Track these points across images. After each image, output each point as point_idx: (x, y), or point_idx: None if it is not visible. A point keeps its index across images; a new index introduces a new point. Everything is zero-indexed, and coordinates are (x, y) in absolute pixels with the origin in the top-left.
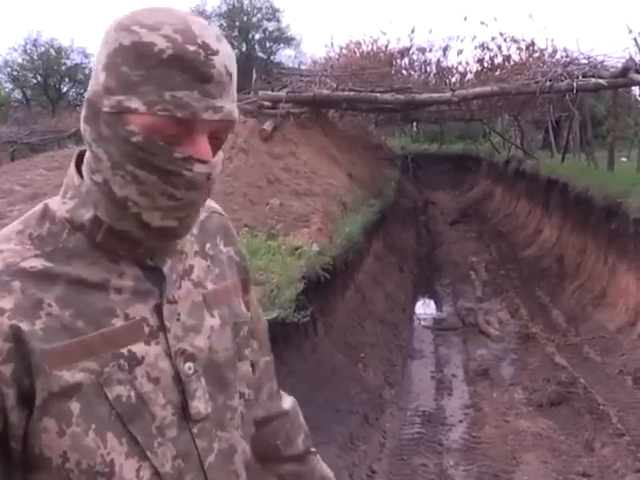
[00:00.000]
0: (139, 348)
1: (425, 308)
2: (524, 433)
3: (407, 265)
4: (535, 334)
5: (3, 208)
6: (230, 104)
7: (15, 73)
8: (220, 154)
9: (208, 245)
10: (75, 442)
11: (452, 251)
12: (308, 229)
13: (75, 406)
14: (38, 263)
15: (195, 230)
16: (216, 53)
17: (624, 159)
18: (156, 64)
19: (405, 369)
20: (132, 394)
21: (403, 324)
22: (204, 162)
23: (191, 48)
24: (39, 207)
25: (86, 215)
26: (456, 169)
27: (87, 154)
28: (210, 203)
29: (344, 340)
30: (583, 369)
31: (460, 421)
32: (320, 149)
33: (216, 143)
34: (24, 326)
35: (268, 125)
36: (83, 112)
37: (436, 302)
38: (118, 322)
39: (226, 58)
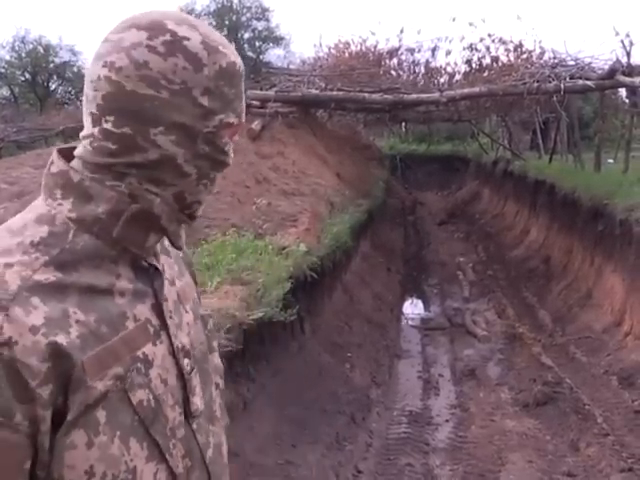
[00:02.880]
0: (149, 349)
1: (413, 308)
2: (510, 433)
3: (395, 265)
4: (522, 334)
5: None
6: None
7: (3, 70)
8: None
9: (166, 242)
10: (102, 452)
11: (440, 251)
12: (296, 229)
13: (101, 414)
14: (50, 274)
15: None
16: None
17: (611, 160)
18: (240, 79)
19: (392, 369)
20: (151, 397)
21: (391, 324)
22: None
23: (239, 61)
24: (28, 217)
25: (98, 209)
26: (444, 170)
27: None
28: None
29: (331, 340)
30: (569, 369)
31: (446, 421)
32: (308, 149)
33: None
34: (61, 339)
35: (256, 124)
36: None
37: (424, 302)
38: (130, 324)
39: None
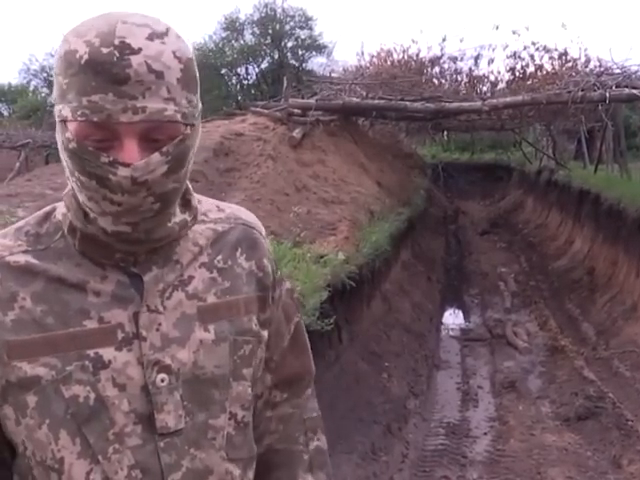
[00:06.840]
0: (108, 352)
1: (453, 318)
2: (550, 447)
3: (435, 274)
4: (564, 347)
5: (33, 212)
6: (159, 103)
7: (51, 78)
8: (155, 156)
9: (219, 257)
10: (29, 434)
11: (481, 261)
12: (334, 237)
13: (32, 399)
14: (23, 259)
15: (203, 241)
16: (136, 52)
17: None
18: (77, 70)
19: (430, 379)
20: (91, 396)
21: (430, 334)
22: (127, 165)
23: (105, 50)
24: (47, 208)
25: (67, 221)
26: (487, 179)
27: None
28: (242, 214)
29: (369, 349)
30: (612, 384)
31: (485, 434)
32: (349, 157)
33: (155, 145)
34: None
35: (297, 132)
36: None
37: (464, 312)
38: (90, 324)
39: (152, 56)
